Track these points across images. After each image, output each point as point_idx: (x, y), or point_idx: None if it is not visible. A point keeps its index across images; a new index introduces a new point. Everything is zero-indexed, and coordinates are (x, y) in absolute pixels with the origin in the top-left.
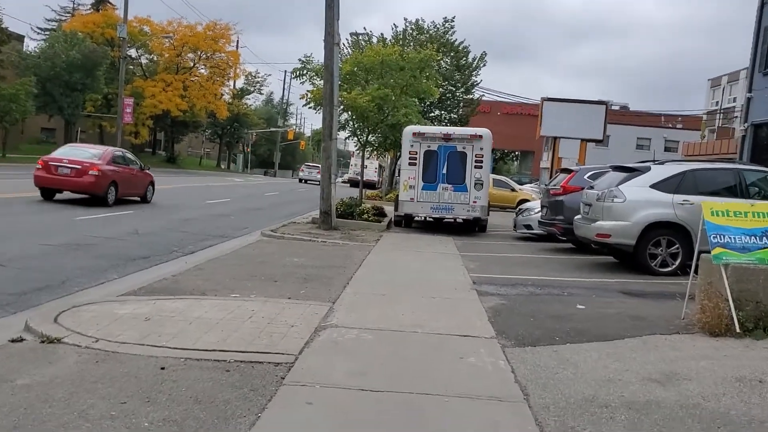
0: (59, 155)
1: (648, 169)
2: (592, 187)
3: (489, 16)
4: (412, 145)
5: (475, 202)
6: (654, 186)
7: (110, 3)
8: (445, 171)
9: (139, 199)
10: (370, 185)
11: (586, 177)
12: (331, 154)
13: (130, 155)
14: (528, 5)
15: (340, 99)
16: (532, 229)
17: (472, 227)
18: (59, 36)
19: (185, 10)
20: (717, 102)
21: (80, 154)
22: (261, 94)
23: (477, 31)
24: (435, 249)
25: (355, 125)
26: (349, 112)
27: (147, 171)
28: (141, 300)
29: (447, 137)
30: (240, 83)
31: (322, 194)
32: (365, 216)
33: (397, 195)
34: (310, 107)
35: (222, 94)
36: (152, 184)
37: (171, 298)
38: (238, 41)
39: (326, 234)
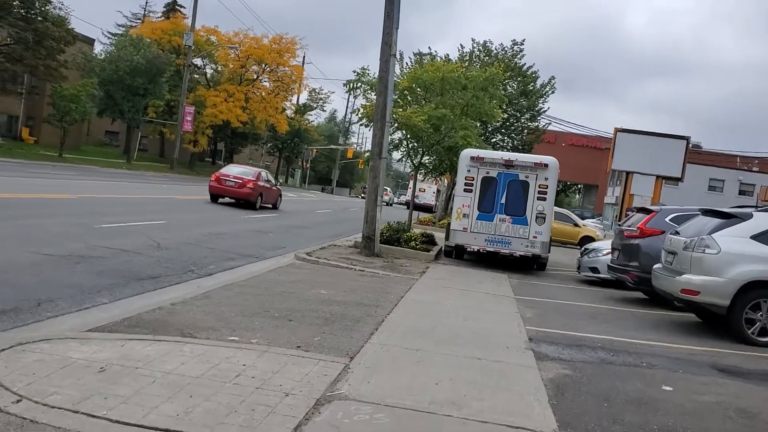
0: (226, 172)
1: (749, 216)
2: (677, 233)
3: (558, 44)
4: (469, 170)
5: (535, 237)
6: (756, 237)
7: (180, 12)
8: (503, 201)
9: (271, 206)
10: (426, 209)
11: (667, 219)
12: (378, 174)
13: (269, 176)
14: (600, 35)
15: (393, 116)
16: (599, 273)
17: (530, 264)
18: (125, 40)
19: (252, 21)
20: None
21: (240, 172)
22: (324, 110)
23: (544, 57)
24: (487, 288)
25: (409, 145)
26: (403, 131)
27: (278, 187)
28: (109, 339)
29: (508, 164)
30: (303, 98)
31: (366, 216)
32: (412, 243)
33: (449, 223)
34: (362, 123)
35: (284, 108)
36: (280, 196)
37: (149, 338)
38: (304, 56)
39: (366, 261)
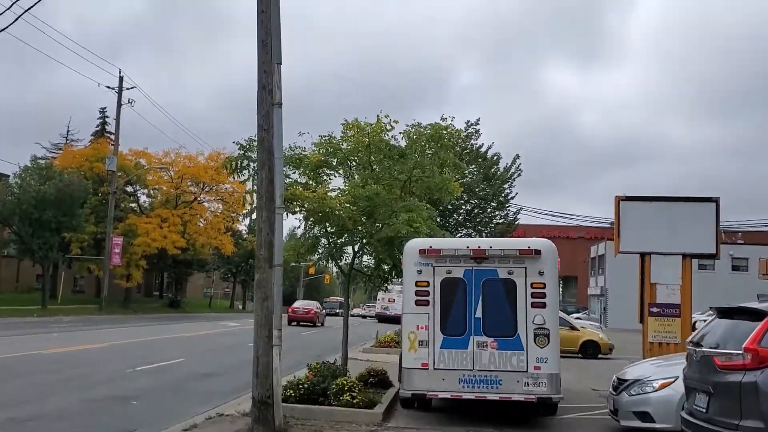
0: (297, 305)
1: None
2: None
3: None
4: (420, 271)
5: (538, 367)
6: None
7: (110, 137)
8: (479, 313)
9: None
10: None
11: None
12: (269, 293)
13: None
14: (557, 132)
15: (299, 200)
16: (654, 423)
17: (535, 408)
18: (32, 169)
19: (187, 138)
20: None
21: (306, 304)
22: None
23: (504, 156)
24: None
25: (330, 242)
26: (318, 222)
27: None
28: None
29: (479, 255)
30: (255, 215)
31: (255, 366)
32: (347, 396)
33: (400, 358)
34: (243, 214)
35: (227, 229)
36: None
37: None
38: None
39: None
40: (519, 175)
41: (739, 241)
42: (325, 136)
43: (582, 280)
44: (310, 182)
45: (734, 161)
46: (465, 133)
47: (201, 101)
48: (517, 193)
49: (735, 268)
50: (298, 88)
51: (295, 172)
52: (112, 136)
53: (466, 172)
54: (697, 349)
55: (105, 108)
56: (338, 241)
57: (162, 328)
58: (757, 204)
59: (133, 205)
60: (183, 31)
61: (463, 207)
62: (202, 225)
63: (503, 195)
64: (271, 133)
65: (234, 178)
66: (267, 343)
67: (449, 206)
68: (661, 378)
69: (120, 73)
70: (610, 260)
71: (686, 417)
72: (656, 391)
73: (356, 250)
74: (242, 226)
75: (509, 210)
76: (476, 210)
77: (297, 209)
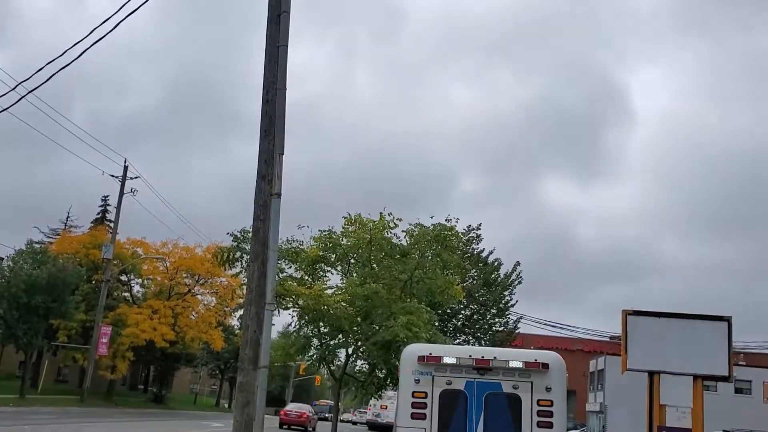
0: (289, 408)
1: None
2: None
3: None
4: (417, 380)
5: None
6: None
7: (109, 226)
8: (481, 431)
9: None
10: (389, 429)
11: None
12: (251, 398)
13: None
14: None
15: (293, 296)
16: None
17: None
18: (26, 253)
19: (186, 230)
20: None
21: (298, 407)
22: (272, 324)
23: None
24: None
25: (323, 343)
26: (312, 322)
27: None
28: None
29: (483, 366)
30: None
31: None
32: None
33: None
34: (233, 309)
35: (217, 324)
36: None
37: None
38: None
39: None
40: (519, 282)
41: (741, 363)
42: (325, 231)
43: (581, 395)
44: (306, 278)
45: (731, 282)
46: (466, 238)
47: (206, 195)
48: (517, 301)
49: (738, 390)
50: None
51: (291, 267)
52: (112, 224)
53: (467, 276)
54: None
55: (107, 196)
56: (331, 342)
57: (141, 425)
58: (757, 326)
59: (126, 294)
60: (193, 126)
61: (463, 312)
62: (193, 318)
63: (503, 302)
64: (267, 224)
65: (226, 269)
66: None
67: (448, 310)
68: None
69: (125, 162)
70: (609, 376)
71: None
72: None
73: (350, 353)
74: (234, 321)
75: (509, 318)
76: (476, 316)
77: (290, 305)
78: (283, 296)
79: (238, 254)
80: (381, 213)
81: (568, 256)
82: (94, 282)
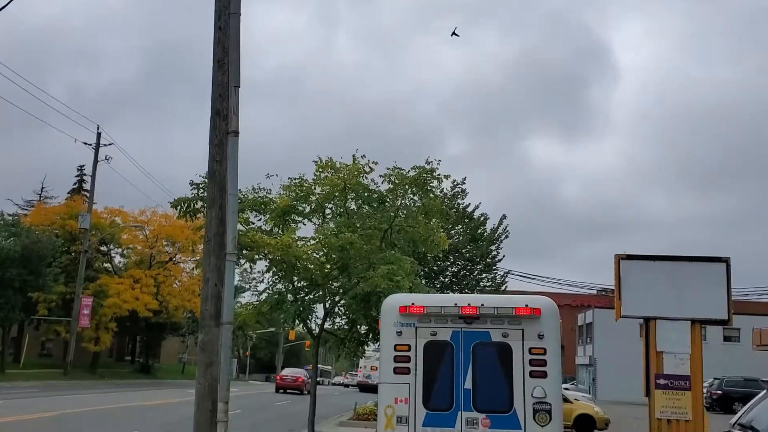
0: (285, 373)
1: None
2: None
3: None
4: (399, 332)
5: None
6: None
7: (86, 195)
8: (469, 385)
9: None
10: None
11: None
12: (215, 358)
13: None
14: (541, 204)
15: (261, 247)
16: None
17: None
18: None
19: (164, 196)
20: None
21: (293, 372)
22: (257, 291)
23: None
24: None
25: (297, 299)
26: (284, 278)
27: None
28: None
29: (470, 314)
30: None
31: None
32: None
33: None
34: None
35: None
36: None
37: None
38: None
39: None
40: (506, 236)
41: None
42: (295, 179)
43: (569, 349)
44: (277, 230)
45: (719, 233)
46: (451, 193)
47: (186, 164)
48: (504, 256)
49: (727, 338)
50: (285, 150)
51: (259, 219)
52: (89, 194)
53: (453, 232)
54: None
55: (83, 166)
56: (306, 298)
57: (125, 395)
58: (744, 274)
59: (107, 265)
60: (172, 96)
61: (450, 268)
62: (176, 287)
63: (490, 256)
64: (224, 165)
65: (186, 221)
66: (209, 419)
67: (435, 267)
68: None
69: (98, 128)
70: (598, 328)
71: None
72: None
73: (328, 308)
74: None
75: (497, 273)
76: (463, 272)
77: (258, 257)
78: (249, 248)
79: (199, 204)
80: (353, 155)
81: (555, 213)
82: (72, 253)
